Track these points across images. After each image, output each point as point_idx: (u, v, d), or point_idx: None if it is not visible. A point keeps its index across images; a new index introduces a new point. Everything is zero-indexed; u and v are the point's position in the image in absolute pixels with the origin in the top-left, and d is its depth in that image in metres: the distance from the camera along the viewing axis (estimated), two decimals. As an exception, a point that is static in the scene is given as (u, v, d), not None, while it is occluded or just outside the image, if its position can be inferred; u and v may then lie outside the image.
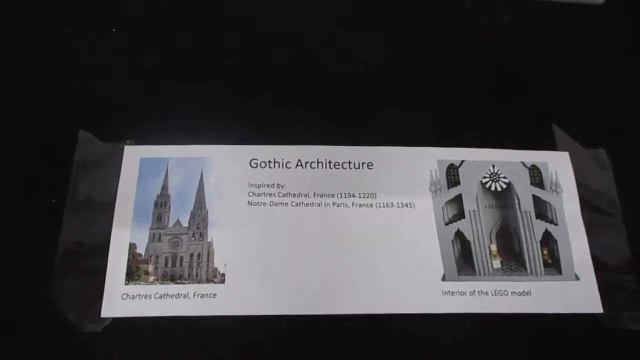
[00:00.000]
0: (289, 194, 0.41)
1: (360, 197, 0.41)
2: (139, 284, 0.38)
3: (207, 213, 0.40)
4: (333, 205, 0.41)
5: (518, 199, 0.42)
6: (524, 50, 0.49)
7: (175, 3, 0.49)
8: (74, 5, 0.48)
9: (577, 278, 0.40)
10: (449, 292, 0.39)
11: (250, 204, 0.40)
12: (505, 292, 0.39)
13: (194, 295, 0.38)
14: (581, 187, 0.43)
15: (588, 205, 0.42)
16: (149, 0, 0.49)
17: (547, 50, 0.50)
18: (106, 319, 0.37)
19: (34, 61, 0.46)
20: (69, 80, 0.45)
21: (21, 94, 0.44)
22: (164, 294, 0.38)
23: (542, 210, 0.42)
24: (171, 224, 0.40)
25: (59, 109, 0.44)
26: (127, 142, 0.42)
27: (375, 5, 0.51)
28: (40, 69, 0.46)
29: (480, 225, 0.41)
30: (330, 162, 0.42)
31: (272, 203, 0.41)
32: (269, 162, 0.42)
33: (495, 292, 0.39)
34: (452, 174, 0.42)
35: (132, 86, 0.45)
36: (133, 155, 0.42)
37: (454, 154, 0.43)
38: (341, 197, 0.41)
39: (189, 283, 0.38)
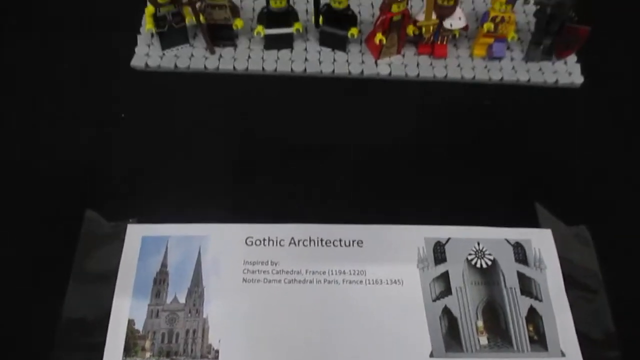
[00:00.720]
0: (283, 271, 0.43)
1: (350, 274, 0.43)
2: (136, 359, 0.39)
3: (203, 290, 0.42)
4: (324, 282, 0.42)
5: (503, 276, 0.43)
6: (507, 131, 0.52)
7: (173, 88, 0.53)
8: (89, 92, 0.52)
9: (563, 354, 0.41)
10: (437, 369, 0.40)
11: (245, 281, 0.42)
12: (493, 369, 0.40)
13: (189, 371, 0.39)
14: (564, 263, 0.44)
15: (571, 281, 0.44)
16: (150, 88, 0.53)
17: (529, 131, 0.53)
18: (102, 395, 0.38)
19: (45, 142, 0.49)
20: (78, 161, 0.48)
21: (30, 173, 0.48)
22: (160, 370, 0.39)
23: (526, 286, 0.43)
24: (169, 300, 0.42)
25: (67, 187, 0.47)
26: (130, 220, 0.45)
27: (363, 88, 0.54)
28: (50, 150, 0.49)
29: (466, 301, 0.42)
30: (322, 240, 0.44)
31: (266, 280, 0.42)
32: (264, 240, 0.44)
33: (482, 369, 0.40)
34: (439, 251, 0.44)
35: (136, 168, 0.48)
36: (135, 233, 0.44)
37: (441, 231, 0.45)
38: (332, 274, 0.43)
39: (184, 359, 0.39)
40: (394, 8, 0.50)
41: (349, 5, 0.52)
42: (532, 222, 0.46)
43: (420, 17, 0.53)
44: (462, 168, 0.50)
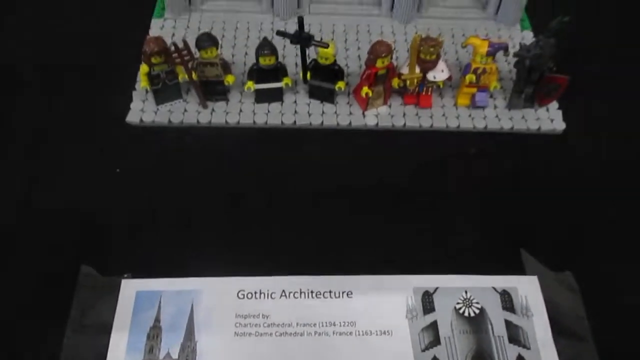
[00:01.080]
0: (274, 324, 0.43)
1: (340, 326, 0.43)
2: (129, 417, 0.40)
3: (196, 345, 0.43)
4: (315, 334, 0.43)
5: (491, 324, 0.44)
6: (492, 178, 0.54)
7: (167, 142, 0.55)
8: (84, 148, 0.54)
9: (552, 403, 0.41)
10: (427, 421, 0.40)
11: (237, 335, 0.43)
12: (482, 420, 0.40)
13: None
14: (551, 310, 0.45)
15: (559, 328, 0.44)
16: (145, 143, 0.55)
17: (513, 177, 0.54)
18: None
19: (39, 197, 0.51)
20: (73, 216, 0.50)
21: (25, 227, 0.49)
22: None
23: (514, 334, 0.44)
24: (162, 355, 0.42)
25: (62, 242, 0.48)
26: (125, 275, 0.46)
27: (352, 138, 0.56)
28: (45, 205, 0.50)
29: (455, 351, 0.43)
30: (312, 292, 0.45)
31: (257, 333, 0.43)
32: (255, 293, 0.45)
33: (472, 420, 0.40)
34: (427, 301, 0.45)
35: (130, 222, 0.49)
36: (129, 288, 0.45)
37: (429, 281, 0.46)
38: (322, 326, 0.43)
39: (177, 416, 0.40)
40: (379, 63, 0.52)
41: (335, 61, 0.54)
42: (518, 269, 0.47)
43: (405, 70, 0.55)
44: (447, 216, 0.51)
